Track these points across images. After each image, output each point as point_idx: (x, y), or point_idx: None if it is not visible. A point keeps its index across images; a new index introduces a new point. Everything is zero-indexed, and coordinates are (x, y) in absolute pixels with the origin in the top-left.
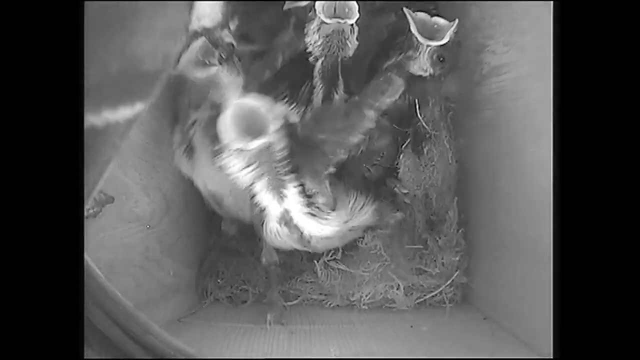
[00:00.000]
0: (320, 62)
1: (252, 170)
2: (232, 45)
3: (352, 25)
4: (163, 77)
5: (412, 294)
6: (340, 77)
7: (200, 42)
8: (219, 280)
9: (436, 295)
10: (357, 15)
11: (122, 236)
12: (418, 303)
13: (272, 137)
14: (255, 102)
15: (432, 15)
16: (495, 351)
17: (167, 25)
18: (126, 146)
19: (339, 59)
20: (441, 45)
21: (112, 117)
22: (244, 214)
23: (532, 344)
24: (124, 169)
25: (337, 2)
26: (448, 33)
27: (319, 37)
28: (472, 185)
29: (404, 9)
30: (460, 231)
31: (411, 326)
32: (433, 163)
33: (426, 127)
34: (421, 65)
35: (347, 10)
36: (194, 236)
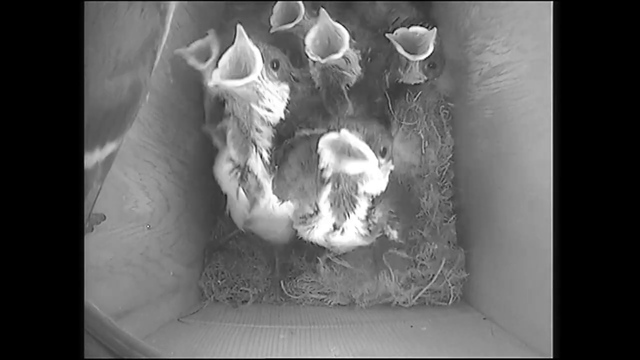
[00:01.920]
0: (324, 92)
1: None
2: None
3: (345, 58)
4: (136, 108)
5: (410, 286)
6: (349, 102)
7: (230, 53)
8: (219, 281)
9: (435, 290)
10: (346, 47)
11: (122, 236)
12: (417, 302)
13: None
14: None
15: (409, 26)
16: (495, 351)
17: (116, 55)
18: (126, 146)
19: (343, 87)
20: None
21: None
22: (268, 237)
23: (532, 344)
24: (124, 169)
25: (330, 30)
26: (431, 43)
27: (317, 71)
28: (472, 185)
29: (387, 35)
30: (449, 221)
31: (411, 326)
32: (399, 152)
33: (394, 115)
34: (414, 76)
35: (339, 38)
36: (194, 236)
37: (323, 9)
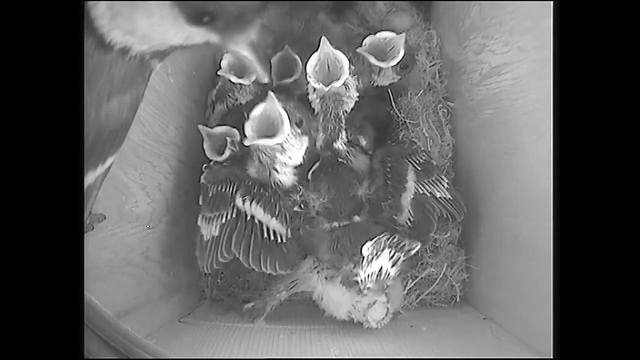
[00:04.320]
0: (321, 117)
1: None
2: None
3: (345, 84)
4: (130, 123)
5: (414, 292)
6: (343, 129)
7: (260, 109)
8: (218, 281)
9: (436, 291)
10: (347, 75)
11: (122, 236)
12: (418, 303)
13: None
14: None
15: (375, 32)
16: (495, 351)
17: (117, 77)
18: (126, 146)
19: (340, 114)
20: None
21: (88, 179)
22: None
23: (532, 344)
24: (124, 169)
25: (330, 58)
26: (401, 47)
27: (316, 97)
28: (472, 185)
29: (358, 50)
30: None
31: (411, 326)
32: None
33: (399, 114)
34: (388, 78)
35: (339, 66)
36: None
37: (325, 37)
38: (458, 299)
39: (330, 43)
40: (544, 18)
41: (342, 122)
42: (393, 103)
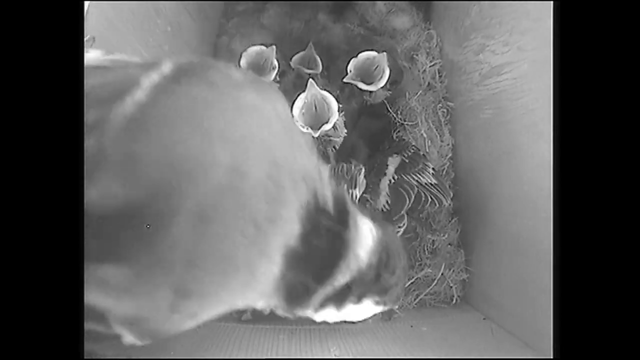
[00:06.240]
0: None
1: None
2: None
3: (334, 126)
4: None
5: (413, 292)
6: (334, 163)
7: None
8: None
9: (435, 291)
10: (336, 117)
11: None
12: (417, 303)
13: None
14: None
15: (357, 54)
16: (495, 351)
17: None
18: None
19: (328, 152)
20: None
21: None
22: None
23: (532, 344)
24: None
25: (317, 99)
26: (385, 66)
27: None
28: (472, 185)
29: (345, 80)
30: (451, 222)
31: (411, 326)
32: None
33: (395, 116)
34: (380, 96)
35: (326, 107)
36: None
37: (311, 80)
38: (457, 300)
39: (317, 84)
40: (544, 18)
41: (329, 157)
42: (389, 109)
